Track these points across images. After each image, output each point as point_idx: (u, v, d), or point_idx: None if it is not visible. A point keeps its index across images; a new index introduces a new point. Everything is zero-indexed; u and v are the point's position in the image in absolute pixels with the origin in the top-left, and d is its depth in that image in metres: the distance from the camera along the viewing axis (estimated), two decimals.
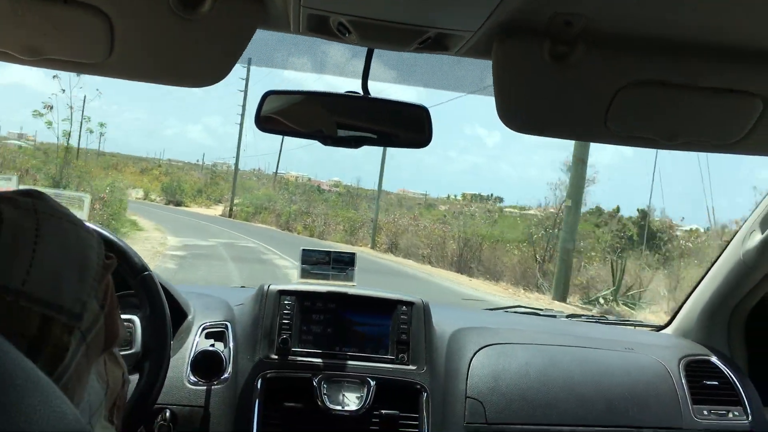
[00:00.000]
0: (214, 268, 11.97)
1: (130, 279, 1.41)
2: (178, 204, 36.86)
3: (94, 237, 0.59)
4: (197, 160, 56.11)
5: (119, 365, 0.69)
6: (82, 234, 0.57)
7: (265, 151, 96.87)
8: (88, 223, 1.38)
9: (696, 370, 1.98)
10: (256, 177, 45.19)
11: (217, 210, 34.72)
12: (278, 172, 42.01)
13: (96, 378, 0.62)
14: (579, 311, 9.21)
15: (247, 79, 32.15)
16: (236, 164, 34.62)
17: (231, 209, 32.41)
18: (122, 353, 1.39)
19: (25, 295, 0.50)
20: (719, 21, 0.97)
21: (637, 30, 1.01)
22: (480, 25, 0.99)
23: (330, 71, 1.89)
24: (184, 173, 49.09)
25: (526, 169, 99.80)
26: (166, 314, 1.42)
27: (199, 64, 1.11)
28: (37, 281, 0.51)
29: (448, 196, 42.53)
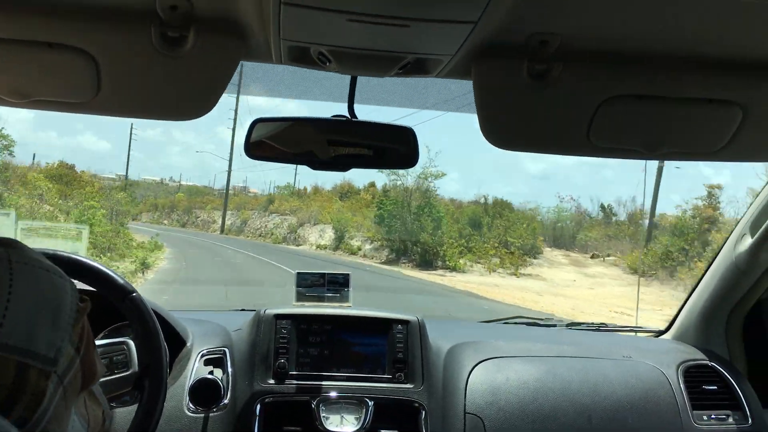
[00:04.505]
0: None
1: (118, 302, 1.40)
2: (428, 263, 17.99)
3: (69, 282, 0.60)
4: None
5: (99, 403, 0.71)
6: (56, 280, 0.58)
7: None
8: (76, 255, 1.39)
9: (695, 375, 1.98)
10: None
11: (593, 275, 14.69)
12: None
13: (77, 418, 0.63)
14: None
15: None
16: None
17: None
18: (120, 375, 1.40)
19: (0, 345, 0.51)
20: (693, 33, 0.99)
21: (612, 46, 1.03)
22: (457, 49, 1.01)
23: (318, 97, 1.90)
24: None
25: None
26: (158, 331, 1.42)
27: (186, 99, 1.13)
28: (11, 330, 0.52)
29: None
